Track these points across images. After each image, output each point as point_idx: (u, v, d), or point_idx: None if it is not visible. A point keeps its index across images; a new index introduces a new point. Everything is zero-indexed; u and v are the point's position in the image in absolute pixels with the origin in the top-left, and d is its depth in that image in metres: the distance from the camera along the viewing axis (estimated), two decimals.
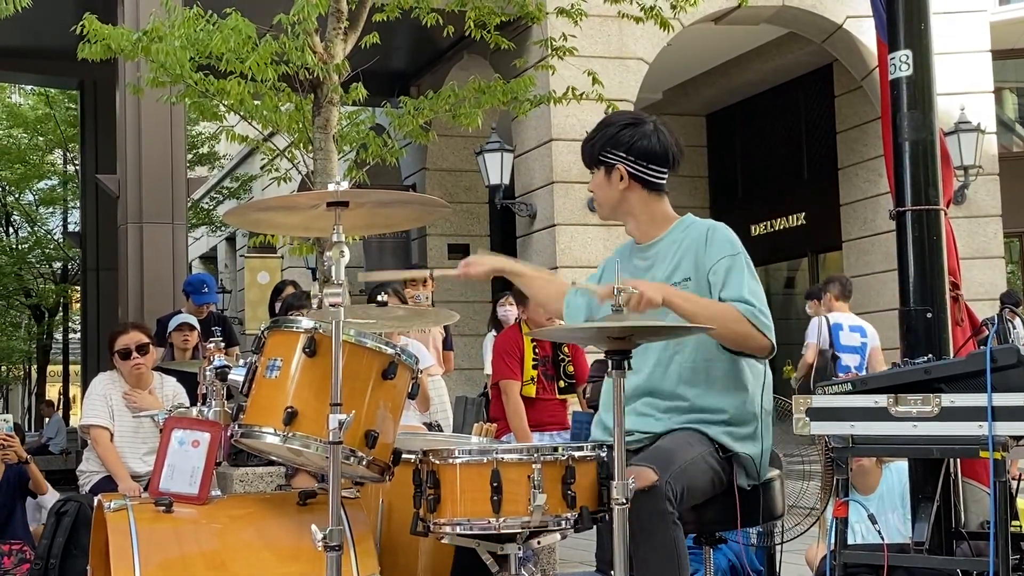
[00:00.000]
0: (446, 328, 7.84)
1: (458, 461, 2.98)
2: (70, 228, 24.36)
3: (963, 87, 12.92)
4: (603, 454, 3.05)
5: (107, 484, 5.67)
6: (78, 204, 20.06)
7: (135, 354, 5.93)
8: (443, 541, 3.05)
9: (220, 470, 6.21)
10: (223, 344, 3.80)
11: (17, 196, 24.90)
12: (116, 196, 11.37)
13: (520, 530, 2.98)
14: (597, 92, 9.04)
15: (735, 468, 3.38)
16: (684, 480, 3.16)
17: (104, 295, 14.75)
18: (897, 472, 4.68)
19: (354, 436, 3.00)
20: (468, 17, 8.75)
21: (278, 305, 8.13)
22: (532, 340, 6.40)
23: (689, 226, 3.51)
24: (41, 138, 23.19)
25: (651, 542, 3.01)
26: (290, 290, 8.34)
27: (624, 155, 3.46)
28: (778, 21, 13.79)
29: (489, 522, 2.93)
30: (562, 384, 6.56)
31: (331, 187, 2.95)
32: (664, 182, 3.52)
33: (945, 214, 3.86)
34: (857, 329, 9.82)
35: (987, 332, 3.62)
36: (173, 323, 7.60)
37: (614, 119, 3.56)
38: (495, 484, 2.91)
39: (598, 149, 3.50)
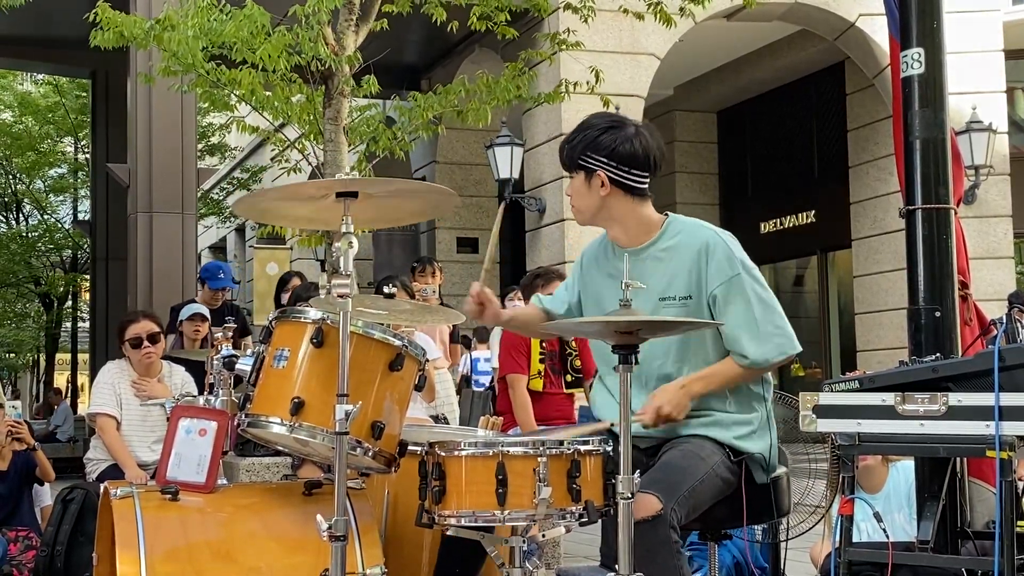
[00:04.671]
0: None
1: (464, 453, 2.98)
2: (80, 216, 24.42)
3: (975, 86, 12.89)
4: (609, 449, 3.05)
5: (114, 472, 5.68)
6: (88, 193, 20.09)
7: (146, 343, 5.93)
8: (448, 533, 3.06)
9: (226, 459, 6.23)
10: (236, 332, 3.80)
11: (28, 184, 24.96)
12: (126, 185, 11.40)
13: (525, 523, 2.98)
14: (594, 88, 9.04)
15: (750, 467, 3.39)
16: (691, 502, 3.18)
17: (113, 284, 14.80)
18: (903, 471, 4.67)
19: (360, 427, 3.01)
20: (472, 13, 8.74)
21: (284, 296, 8.13)
22: None
23: (680, 232, 3.42)
24: (51, 126, 23.23)
25: (654, 570, 3.01)
26: (296, 282, 8.33)
27: (605, 160, 3.34)
28: (790, 18, 13.77)
29: (494, 515, 2.93)
30: (569, 379, 6.56)
31: (340, 177, 2.95)
32: (646, 186, 3.42)
33: (955, 213, 3.85)
34: None
35: (995, 332, 3.61)
36: (185, 312, 7.60)
37: (593, 122, 3.42)
38: (500, 477, 2.91)
39: (578, 152, 3.37)
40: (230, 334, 3.62)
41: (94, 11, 8.02)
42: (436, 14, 8.62)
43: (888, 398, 3.23)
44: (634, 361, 2.93)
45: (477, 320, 3.62)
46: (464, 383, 9.88)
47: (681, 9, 9.34)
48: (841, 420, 3.30)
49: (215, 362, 3.53)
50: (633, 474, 2.90)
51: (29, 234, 25.28)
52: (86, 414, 6.81)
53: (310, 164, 9.01)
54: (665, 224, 3.45)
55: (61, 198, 26.11)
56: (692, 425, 3.37)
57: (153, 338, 5.96)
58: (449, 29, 8.89)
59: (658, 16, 9.26)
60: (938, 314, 3.73)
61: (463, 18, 8.88)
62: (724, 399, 3.39)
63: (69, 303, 27.00)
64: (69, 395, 25.86)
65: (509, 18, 8.88)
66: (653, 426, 3.29)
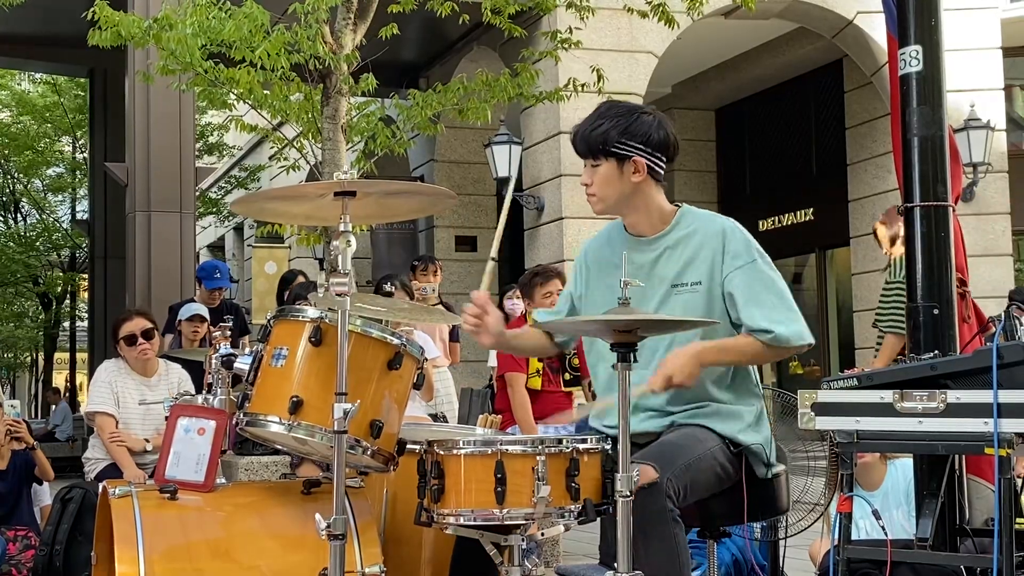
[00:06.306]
0: None
1: (463, 452, 2.98)
2: (78, 216, 24.39)
3: (973, 84, 12.89)
4: (607, 446, 3.05)
5: (113, 471, 5.68)
6: (86, 192, 20.08)
7: (141, 340, 5.93)
8: (447, 532, 3.06)
9: (225, 458, 6.22)
10: (234, 331, 3.79)
11: (26, 183, 24.93)
12: (124, 184, 11.40)
13: (524, 522, 2.98)
14: (600, 87, 9.03)
15: (750, 461, 3.37)
16: (687, 478, 3.15)
17: (112, 283, 14.81)
18: (902, 468, 4.68)
19: (359, 426, 3.01)
20: (484, 7, 8.73)
21: (287, 295, 8.13)
22: None
23: (695, 221, 3.43)
24: (49, 125, 23.22)
25: (651, 539, 3.01)
26: (301, 279, 8.34)
27: (642, 146, 3.34)
28: (788, 16, 13.76)
29: (493, 513, 2.93)
30: (567, 377, 6.56)
31: (338, 176, 2.95)
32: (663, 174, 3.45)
33: (953, 211, 3.86)
34: None
35: (993, 329, 3.61)
36: (185, 312, 7.60)
37: (620, 109, 3.41)
38: (499, 475, 2.91)
39: (613, 139, 3.33)
40: (228, 333, 3.62)
41: (92, 10, 8.02)
42: (441, 10, 8.61)
43: (887, 395, 3.23)
44: (632, 359, 2.93)
45: (476, 339, 3.51)
46: None
47: (689, 8, 9.34)
48: (840, 418, 3.31)
49: (213, 361, 3.53)
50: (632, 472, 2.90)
51: (27, 233, 25.26)
52: (84, 413, 6.80)
53: (308, 162, 9.01)
54: (679, 214, 3.47)
55: (59, 197, 26.07)
56: (689, 415, 3.36)
57: (147, 334, 5.96)
58: (460, 22, 8.87)
59: (660, 17, 9.25)
60: (936, 312, 3.73)
61: (472, 12, 8.86)
62: (722, 390, 3.38)
63: (68, 302, 26.99)
64: (68, 394, 25.82)
65: (516, 10, 8.87)
66: (662, 392, 3.26)
